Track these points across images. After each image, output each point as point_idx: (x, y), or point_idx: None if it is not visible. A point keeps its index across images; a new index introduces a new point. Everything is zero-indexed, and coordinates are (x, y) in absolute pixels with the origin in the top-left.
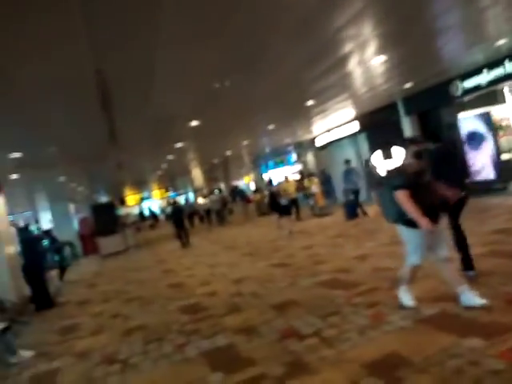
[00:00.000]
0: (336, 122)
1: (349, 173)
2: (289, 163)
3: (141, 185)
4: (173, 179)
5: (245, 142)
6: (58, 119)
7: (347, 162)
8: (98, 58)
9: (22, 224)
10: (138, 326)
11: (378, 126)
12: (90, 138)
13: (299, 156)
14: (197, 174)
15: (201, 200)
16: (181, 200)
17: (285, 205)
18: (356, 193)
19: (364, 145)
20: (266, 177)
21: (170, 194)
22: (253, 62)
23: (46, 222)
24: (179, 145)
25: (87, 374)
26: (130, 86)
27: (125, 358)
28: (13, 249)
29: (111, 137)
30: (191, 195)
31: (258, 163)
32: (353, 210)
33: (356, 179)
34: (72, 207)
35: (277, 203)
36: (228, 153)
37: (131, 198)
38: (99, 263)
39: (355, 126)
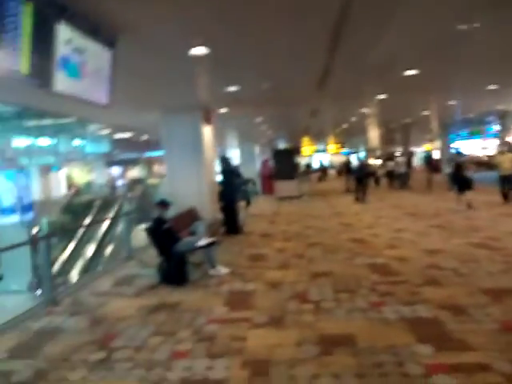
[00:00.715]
0: None
1: None
2: (487, 135)
3: (319, 137)
4: (351, 136)
5: (450, 102)
6: (281, 53)
7: None
8: None
9: (223, 155)
10: (325, 272)
11: None
12: (303, 78)
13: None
14: (373, 135)
15: (375, 161)
16: (353, 158)
17: (468, 179)
18: None
19: None
20: (454, 146)
21: (343, 151)
22: None
23: (232, 159)
24: (381, 97)
25: (281, 304)
26: (364, 24)
27: (317, 301)
28: (214, 177)
29: (322, 79)
30: (362, 155)
31: (448, 131)
32: None
33: None
34: (256, 149)
35: (460, 176)
36: (424, 113)
37: (306, 148)
38: (275, 204)
39: None
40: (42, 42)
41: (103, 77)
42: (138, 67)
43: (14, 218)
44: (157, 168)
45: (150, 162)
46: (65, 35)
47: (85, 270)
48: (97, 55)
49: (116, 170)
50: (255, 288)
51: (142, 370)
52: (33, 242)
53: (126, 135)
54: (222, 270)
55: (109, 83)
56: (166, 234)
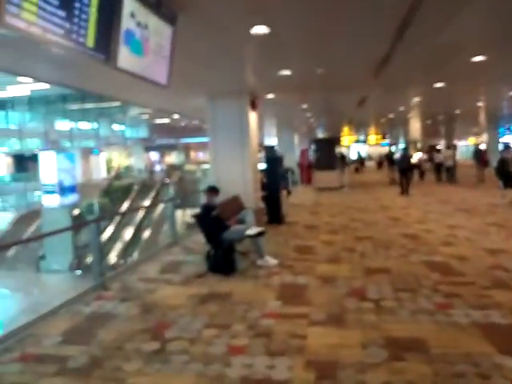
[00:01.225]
0: None
1: None
2: None
3: (360, 127)
4: (393, 126)
5: (510, 93)
6: (343, 38)
7: None
8: None
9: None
10: (380, 268)
11: None
12: (360, 65)
13: None
14: (415, 126)
15: (419, 154)
16: (392, 149)
17: None
18: None
19: None
20: (503, 141)
21: (383, 142)
22: None
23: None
24: (437, 85)
25: (338, 301)
26: (438, 6)
27: (376, 299)
28: (258, 164)
29: (380, 67)
30: (402, 147)
31: (497, 124)
32: None
33: None
34: (295, 138)
35: (506, 171)
36: (477, 104)
37: (346, 138)
38: (315, 194)
39: None
40: (108, 13)
41: (164, 55)
42: (193, 47)
43: (57, 199)
44: (194, 154)
45: (187, 149)
46: (129, 7)
47: (123, 253)
48: (158, 32)
49: (154, 156)
50: (307, 282)
51: (200, 365)
52: (81, 225)
53: (165, 121)
54: (271, 260)
55: (169, 62)
56: (215, 222)
